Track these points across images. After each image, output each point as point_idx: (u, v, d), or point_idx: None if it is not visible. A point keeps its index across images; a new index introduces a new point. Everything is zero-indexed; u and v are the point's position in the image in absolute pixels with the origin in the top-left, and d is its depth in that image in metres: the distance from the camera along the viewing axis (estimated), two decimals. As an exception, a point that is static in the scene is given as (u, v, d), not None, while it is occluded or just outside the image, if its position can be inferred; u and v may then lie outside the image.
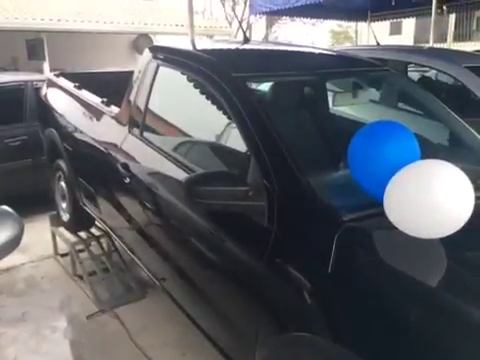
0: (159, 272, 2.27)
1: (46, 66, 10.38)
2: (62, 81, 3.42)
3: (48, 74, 3.67)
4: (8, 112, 4.46)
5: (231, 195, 1.53)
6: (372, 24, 10.12)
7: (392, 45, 6.14)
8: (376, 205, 1.33)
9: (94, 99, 2.88)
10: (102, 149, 2.58)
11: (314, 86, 2.19)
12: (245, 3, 24.12)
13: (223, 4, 24.51)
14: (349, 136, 1.50)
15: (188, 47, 2.37)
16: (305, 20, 19.18)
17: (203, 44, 3.05)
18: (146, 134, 2.27)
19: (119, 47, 12.72)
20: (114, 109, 2.65)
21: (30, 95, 4.59)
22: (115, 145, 2.45)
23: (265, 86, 2.20)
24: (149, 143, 2.20)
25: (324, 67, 2.06)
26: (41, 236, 3.89)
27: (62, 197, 3.45)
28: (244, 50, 2.32)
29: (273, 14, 10.05)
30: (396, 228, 1.25)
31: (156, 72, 2.27)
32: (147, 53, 2.43)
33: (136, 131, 2.33)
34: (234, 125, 1.73)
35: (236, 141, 1.71)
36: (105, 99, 2.75)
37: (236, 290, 1.61)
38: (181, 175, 1.87)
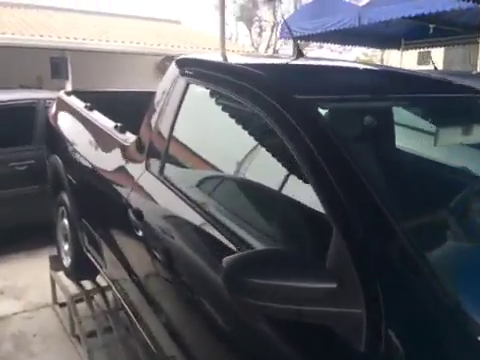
0: (169, 350, 1.65)
1: (69, 85, 10.12)
2: (73, 100, 2.90)
3: (59, 92, 3.14)
4: (16, 133, 4.00)
5: (299, 295, 0.93)
6: (401, 52, 9.68)
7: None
8: None
9: (106, 123, 2.34)
10: (111, 187, 2.02)
11: (409, 114, 1.58)
12: (272, 29, 24.16)
13: (250, 30, 24.48)
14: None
15: (228, 60, 1.82)
16: (333, 47, 18.85)
17: (243, 58, 2.50)
18: (168, 173, 1.70)
19: (143, 69, 12.44)
20: (129, 137, 2.10)
21: (41, 115, 4.13)
22: (127, 184, 1.89)
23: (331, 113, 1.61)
24: (171, 186, 1.63)
25: (420, 90, 1.47)
26: (41, 276, 3.34)
27: (64, 237, 2.89)
28: (304, 66, 1.75)
29: (304, 39, 9.68)
30: None
31: (185, 92, 1.71)
32: (173, 67, 1.89)
33: (155, 168, 1.76)
34: (300, 170, 1.14)
35: (305, 194, 1.12)
36: (119, 124, 2.20)
37: None
38: (216, 240, 1.29)
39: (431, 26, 8.50)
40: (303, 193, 1.14)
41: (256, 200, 1.38)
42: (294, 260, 1.01)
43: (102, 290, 2.77)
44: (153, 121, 1.86)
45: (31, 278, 3.50)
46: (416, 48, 10.68)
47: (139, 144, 1.94)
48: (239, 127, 1.51)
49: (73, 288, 2.87)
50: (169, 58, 12.68)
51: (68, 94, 3.04)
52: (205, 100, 1.69)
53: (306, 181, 1.15)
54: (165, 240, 1.59)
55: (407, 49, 10.20)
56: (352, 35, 8.78)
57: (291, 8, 24.72)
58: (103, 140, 2.28)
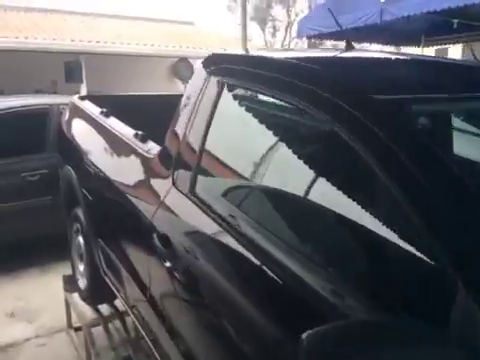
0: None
1: (83, 89, 9.97)
2: (87, 105, 2.64)
3: (72, 97, 2.88)
4: (28, 141, 3.76)
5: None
6: (422, 49, 9.31)
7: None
8: None
9: (125, 131, 2.06)
10: (131, 206, 1.74)
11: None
12: (286, 29, 23.84)
13: (263, 30, 24.21)
14: None
15: (273, 55, 1.51)
16: (342, 44, 18.45)
17: (284, 53, 2.17)
18: (201, 191, 1.41)
19: (158, 72, 12.24)
20: (152, 147, 1.81)
21: (54, 121, 3.89)
22: (151, 203, 1.61)
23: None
24: (204, 208, 1.34)
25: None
26: (56, 296, 3.07)
27: (79, 256, 2.62)
28: (367, 60, 1.44)
29: (322, 37, 9.37)
30: None
31: (219, 95, 1.42)
32: (202, 67, 1.60)
33: (184, 185, 1.47)
34: (386, 191, 0.84)
35: (382, 225, 0.83)
36: (140, 132, 1.92)
37: None
38: (262, 274, 1.01)
39: (455, 21, 8.13)
40: (391, 221, 0.85)
41: (319, 228, 1.08)
42: (395, 331, 0.71)
43: (121, 315, 2.49)
44: (180, 130, 1.57)
45: (45, 298, 3.25)
46: (437, 45, 10.28)
47: (164, 156, 1.65)
48: (292, 136, 1.21)
49: (89, 311, 2.61)
50: (183, 61, 12.49)
51: (82, 99, 2.78)
52: (245, 104, 1.40)
53: (388, 207, 0.86)
54: (196, 273, 1.31)
55: (427, 46, 9.81)
56: (371, 32, 8.46)
57: (305, 7, 24.41)
58: (122, 150, 2.00)
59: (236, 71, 1.40)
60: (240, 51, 1.68)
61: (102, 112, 2.35)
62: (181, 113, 1.62)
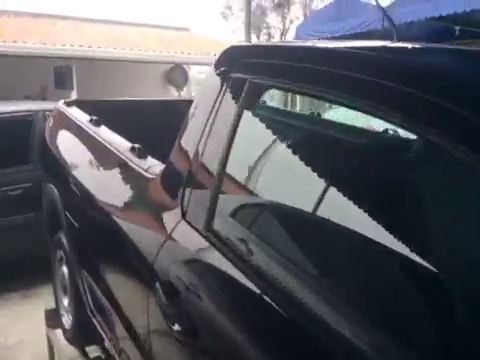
0: None
1: (74, 95, 9.59)
2: (74, 112, 2.27)
3: (57, 103, 2.51)
4: (8, 151, 3.38)
5: None
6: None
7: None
8: None
9: (119, 144, 1.69)
10: (125, 238, 1.38)
11: None
12: (281, 36, 23.64)
13: (258, 37, 24.04)
14: None
15: (333, 45, 1.12)
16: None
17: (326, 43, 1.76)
18: (221, 228, 1.05)
19: (151, 79, 11.91)
20: (152, 164, 1.45)
21: (39, 129, 3.51)
22: (152, 239, 1.24)
23: None
24: (229, 251, 0.98)
25: None
26: (38, 327, 2.67)
27: (63, 289, 2.24)
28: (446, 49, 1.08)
29: (321, 43, 9.14)
30: None
31: (247, 98, 1.06)
32: (220, 62, 1.25)
33: (198, 218, 1.11)
34: None
35: None
36: (137, 146, 1.55)
37: None
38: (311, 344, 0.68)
39: (457, 28, 7.94)
40: None
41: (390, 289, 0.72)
42: None
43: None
44: (191, 145, 1.21)
45: (26, 330, 2.86)
46: (438, 52, 10.13)
47: (169, 178, 1.29)
48: (366, 157, 0.86)
49: (75, 352, 2.22)
50: (177, 68, 12.17)
51: (68, 105, 2.41)
52: (286, 112, 1.05)
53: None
54: (218, 346, 0.95)
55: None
56: (372, 38, 8.28)
57: (300, 14, 24.27)
58: (114, 167, 1.64)
59: (271, 67, 1.05)
60: (273, 41, 1.30)
61: (91, 120, 1.99)
62: (191, 123, 1.26)
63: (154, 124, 1.92)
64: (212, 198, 1.07)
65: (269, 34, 23.71)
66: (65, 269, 2.17)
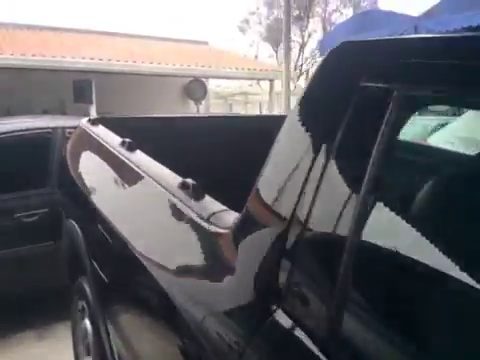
0: None
1: (93, 110, 9.37)
2: (101, 132, 1.89)
3: (81, 120, 2.15)
4: (24, 173, 3.02)
5: None
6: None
7: None
8: None
9: (163, 176, 1.30)
10: (175, 314, 0.97)
11: None
12: (300, 49, 23.38)
13: (275, 50, 23.85)
14: None
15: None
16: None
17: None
18: (354, 336, 0.64)
19: (170, 92, 11.72)
20: (213, 209, 1.05)
21: (58, 148, 3.17)
22: (226, 333, 0.83)
23: None
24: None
25: None
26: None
27: (86, 348, 1.83)
28: None
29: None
30: None
31: (394, 119, 0.66)
32: (332, 68, 0.85)
33: (311, 312, 0.70)
34: None
35: None
36: (190, 181, 1.15)
37: None
38: None
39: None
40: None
41: None
42: None
43: None
44: (287, 203, 0.80)
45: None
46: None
47: (252, 240, 0.88)
48: None
49: None
50: (196, 81, 11.94)
51: (93, 123, 2.03)
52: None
53: None
54: None
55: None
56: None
57: (319, 27, 23.98)
58: (159, 209, 1.24)
59: (439, 71, 0.64)
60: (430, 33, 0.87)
61: (124, 143, 1.60)
62: (282, 158, 0.86)
63: (200, 146, 1.53)
64: (342, 285, 0.66)
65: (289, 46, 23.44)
66: (87, 323, 1.78)
